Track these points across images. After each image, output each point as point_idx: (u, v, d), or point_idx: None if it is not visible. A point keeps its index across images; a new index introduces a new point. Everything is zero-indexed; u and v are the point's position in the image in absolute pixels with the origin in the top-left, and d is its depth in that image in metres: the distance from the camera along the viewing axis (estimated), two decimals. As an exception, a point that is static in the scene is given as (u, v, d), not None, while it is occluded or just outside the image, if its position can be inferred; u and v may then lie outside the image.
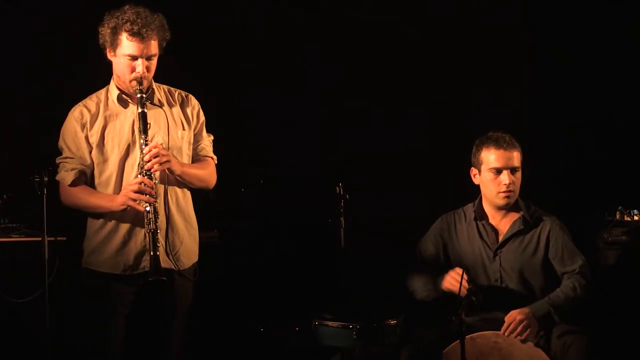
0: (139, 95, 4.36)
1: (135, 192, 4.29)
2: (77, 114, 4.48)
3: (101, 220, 4.44)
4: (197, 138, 4.63)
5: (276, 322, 5.85)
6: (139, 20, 4.32)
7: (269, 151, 6.18)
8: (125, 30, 4.34)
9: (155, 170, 4.33)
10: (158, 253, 4.24)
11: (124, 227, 4.42)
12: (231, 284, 5.82)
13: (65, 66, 5.70)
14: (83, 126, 4.46)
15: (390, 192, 6.13)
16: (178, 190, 4.52)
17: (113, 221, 4.43)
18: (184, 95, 4.63)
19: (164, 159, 4.34)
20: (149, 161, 4.30)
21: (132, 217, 4.41)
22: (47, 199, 4.52)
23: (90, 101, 4.51)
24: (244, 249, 5.97)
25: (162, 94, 4.58)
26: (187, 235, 4.55)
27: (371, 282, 5.51)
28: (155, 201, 4.29)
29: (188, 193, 4.59)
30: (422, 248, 5.01)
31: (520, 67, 6.23)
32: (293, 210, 6.05)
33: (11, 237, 5.28)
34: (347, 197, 4.87)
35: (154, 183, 4.31)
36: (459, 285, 4.57)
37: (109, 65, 4.51)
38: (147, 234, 4.29)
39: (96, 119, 4.46)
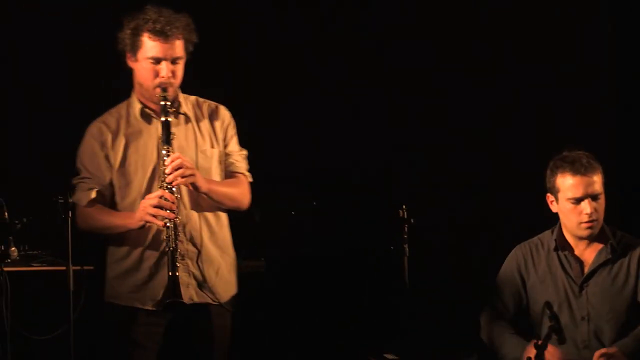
0: (162, 103, 4.20)
1: (155, 206, 4.12)
2: (96, 131, 4.35)
3: (125, 249, 4.29)
4: (227, 153, 4.45)
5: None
6: (161, 18, 4.19)
7: (323, 171, 5.98)
8: (147, 30, 4.19)
9: (178, 184, 4.17)
10: (178, 274, 4.13)
11: (152, 256, 4.26)
12: (279, 318, 5.64)
13: (87, 83, 5.57)
14: (102, 144, 4.32)
15: (460, 216, 5.94)
16: (210, 215, 4.35)
17: (139, 249, 4.28)
18: (213, 106, 4.48)
19: (188, 172, 4.17)
20: (170, 173, 4.14)
21: (160, 245, 4.25)
22: (72, 223, 4.29)
23: (110, 117, 4.38)
24: (294, 280, 5.75)
25: (190, 106, 4.43)
26: (223, 265, 4.38)
27: (438, 318, 5.44)
28: (177, 217, 4.15)
29: (223, 217, 4.42)
30: (498, 289, 4.74)
31: (604, 75, 6.06)
32: (350, 236, 5.86)
33: (32, 266, 5.08)
34: (412, 221, 4.65)
35: (176, 197, 4.15)
36: None
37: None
38: (167, 253, 4.16)
39: (117, 136, 4.33)
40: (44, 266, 5.08)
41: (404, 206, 4.67)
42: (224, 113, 4.46)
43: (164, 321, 4.28)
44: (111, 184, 4.33)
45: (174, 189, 4.15)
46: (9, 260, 4.71)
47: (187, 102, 4.41)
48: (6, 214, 4.71)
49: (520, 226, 5.05)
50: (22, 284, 4.87)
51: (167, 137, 4.18)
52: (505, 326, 4.61)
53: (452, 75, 6.02)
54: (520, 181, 5.70)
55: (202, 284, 4.27)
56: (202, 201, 4.30)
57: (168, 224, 4.12)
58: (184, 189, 4.27)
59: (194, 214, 4.29)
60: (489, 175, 5.97)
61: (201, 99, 4.47)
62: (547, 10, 6.00)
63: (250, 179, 4.49)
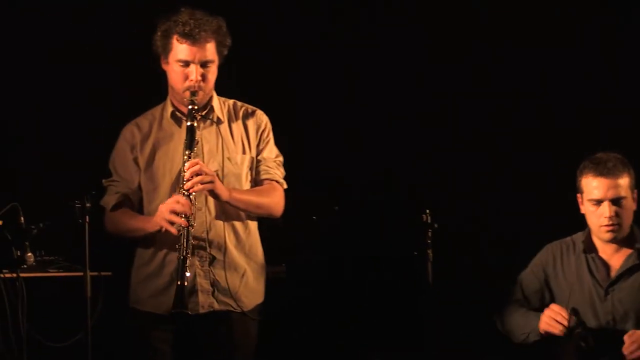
0: (189, 107, 4.16)
1: (171, 212, 4.08)
2: (128, 133, 4.36)
3: (149, 254, 4.29)
4: (260, 159, 4.40)
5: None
6: (191, 21, 4.16)
7: (344, 174, 5.93)
8: (177, 32, 4.18)
9: (195, 191, 4.11)
10: (186, 284, 4.07)
11: (173, 262, 4.20)
12: (300, 325, 5.61)
13: (107, 86, 5.56)
14: (133, 147, 4.32)
15: (487, 220, 5.84)
16: (237, 222, 4.32)
17: (161, 254, 4.26)
18: (250, 111, 4.44)
19: (207, 178, 4.10)
20: (189, 179, 4.08)
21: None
22: (89, 228, 4.31)
23: (144, 119, 4.39)
24: (315, 286, 5.71)
25: (225, 110, 4.39)
26: (249, 272, 4.35)
27: (463, 325, 5.36)
28: (190, 226, 4.08)
29: (251, 224, 4.39)
30: (522, 283, 4.69)
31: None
32: (372, 241, 5.79)
33: (48, 272, 5.02)
34: (436, 226, 4.64)
35: (192, 204, 4.08)
36: (558, 326, 4.32)
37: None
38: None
39: (147, 139, 4.32)
40: (61, 272, 5.04)
41: (427, 211, 4.65)
42: (260, 118, 4.42)
43: (184, 328, 4.25)
44: (139, 188, 4.31)
45: (191, 195, 4.10)
46: (25, 266, 4.73)
47: (224, 106, 4.39)
48: (22, 218, 4.81)
49: (547, 228, 5.00)
50: (39, 290, 4.83)
51: (190, 142, 4.13)
52: (519, 308, 4.60)
53: (478, 78, 5.99)
54: (546, 183, 5.68)
55: (224, 291, 4.23)
56: (228, 208, 4.26)
57: (180, 232, 4.08)
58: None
59: (219, 220, 4.25)
60: (514, 178, 5.90)
61: (239, 103, 4.44)
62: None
63: (285, 186, 4.46)
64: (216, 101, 4.36)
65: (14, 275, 4.69)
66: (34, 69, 5.55)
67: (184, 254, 4.05)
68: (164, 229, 4.12)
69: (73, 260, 4.97)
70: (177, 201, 4.08)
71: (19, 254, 4.72)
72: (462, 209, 5.79)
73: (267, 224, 4.51)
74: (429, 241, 4.63)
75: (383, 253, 5.78)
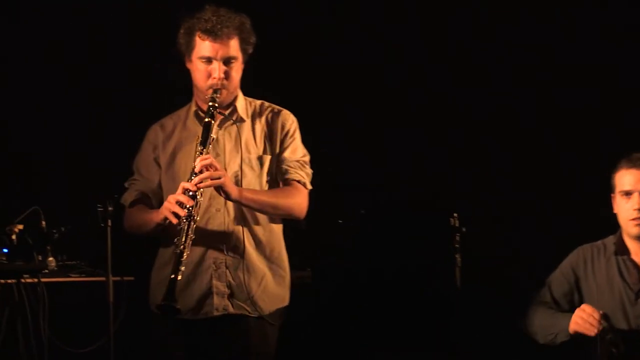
0: (209, 104, 4.12)
1: (177, 202, 4.03)
2: (152, 133, 4.34)
3: (169, 253, 4.17)
4: (282, 158, 4.32)
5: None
6: (213, 17, 4.12)
7: (370, 176, 5.90)
8: (199, 29, 4.14)
9: (204, 186, 4.04)
10: (179, 278, 3.96)
11: (191, 260, 4.14)
12: (326, 331, 5.61)
13: (126, 91, 5.60)
14: (155, 147, 4.29)
15: (516, 223, 5.81)
16: (258, 226, 4.26)
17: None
18: (276, 111, 4.36)
19: (217, 174, 4.03)
20: (198, 174, 4.04)
21: (201, 252, 4.18)
22: (112, 232, 4.36)
23: (169, 119, 4.35)
24: (341, 290, 5.71)
25: (250, 110, 4.34)
26: (270, 276, 4.27)
27: (492, 331, 5.27)
28: (188, 220, 4.01)
29: (275, 228, 4.31)
30: (551, 285, 4.61)
31: None
32: (399, 245, 5.76)
33: (70, 277, 5.01)
34: (464, 230, 4.60)
35: (196, 199, 4.03)
36: (591, 326, 4.24)
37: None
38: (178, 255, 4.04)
39: (170, 139, 4.29)
40: (83, 277, 5.06)
41: (455, 214, 4.62)
42: (285, 118, 4.35)
43: (198, 332, 4.21)
44: (160, 187, 4.28)
45: (200, 191, 4.05)
46: (47, 271, 4.87)
47: (250, 107, 4.34)
48: (43, 222, 4.98)
49: (577, 231, 4.95)
50: (60, 295, 4.89)
51: (204, 139, 4.07)
52: (547, 309, 4.56)
53: (498, 82, 5.97)
54: (576, 185, 5.69)
55: (240, 294, 4.18)
56: (248, 210, 4.23)
57: (180, 225, 4.00)
58: None
59: (238, 222, 4.21)
60: (543, 181, 5.86)
61: (266, 104, 4.39)
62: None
63: (308, 187, 4.38)
64: (241, 101, 4.31)
65: (35, 280, 4.73)
66: (56, 71, 5.58)
67: (181, 248, 3.97)
68: (167, 221, 4.08)
69: (95, 265, 5.02)
70: (183, 190, 4.04)
71: (40, 258, 4.84)
72: (490, 212, 5.76)
73: (292, 228, 4.46)
74: (457, 245, 4.59)
75: (410, 257, 5.76)
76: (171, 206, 4.02)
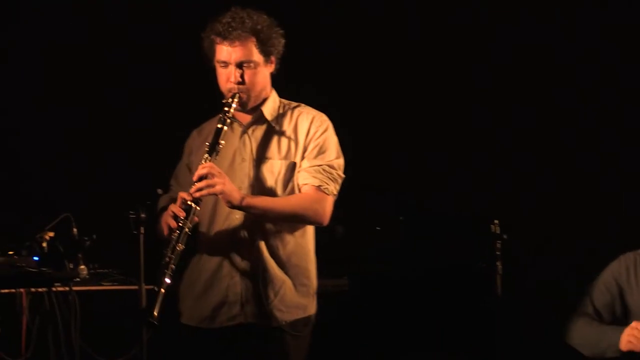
0: (224, 109, 4.03)
1: (172, 213, 3.95)
2: (190, 138, 4.29)
3: (195, 260, 4.15)
4: (302, 163, 4.17)
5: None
6: (229, 20, 4.03)
7: (409, 182, 5.93)
8: (214, 32, 4.06)
9: (199, 196, 3.93)
10: (162, 290, 3.85)
11: (210, 268, 4.11)
12: (362, 339, 5.55)
13: (167, 92, 5.66)
14: (190, 153, 4.23)
15: (559, 230, 5.79)
16: (276, 234, 4.12)
17: (204, 257, 4.14)
18: (307, 114, 4.19)
19: (214, 182, 3.94)
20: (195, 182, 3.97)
21: (218, 261, 4.10)
22: (145, 239, 4.29)
23: (209, 123, 4.24)
24: (379, 299, 5.67)
25: (278, 114, 4.20)
26: (289, 285, 4.13)
27: (535, 339, 5.28)
28: (179, 231, 3.90)
29: (299, 235, 4.17)
30: (593, 295, 4.52)
31: None
32: (439, 253, 5.79)
33: (102, 286, 5.06)
34: (505, 237, 4.59)
35: (191, 209, 3.92)
36: None
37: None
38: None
39: (202, 143, 4.17)
40: (115, 285, 5.09)
41: (496, 221, 4.60)
42: (317, 122, 4.19)
43: (216, 341, 4.12)
44: None
45: (199, 200, 3.96)
46: (78, 279, 4.92)
47: (281, 110, 4.22)
48: (75, 230, 4.90)
49: (619, 239, 4.82)
50: (92, 304, 4.93)
51: (212, 145, 3.99)
52: (591, 321, 4.46)
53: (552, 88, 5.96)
54: (617, 190, 5.69)
55: (256, 304, 4.08)
56: (264, 218, 4.16)
57: (172, 234, 3.91)
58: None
59: (254, 230, 4.11)
60: (584, 187, 5.84)
61: (301, 107, 4.24)
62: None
63: (329, 192, 4.19)
64: (270, 104, 4.19)
65: (67, 288, 4.77)
66: (86, 75, 5.65)
67: (166, 260, 3.88)
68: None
69: (128, 273, 5.06)
70: (182, 200, 3.97)
71: (71, 266, 4.89)
72: (531, 218, 5.76)
73: (329, 235, 4.40)
74: (498, 253, 4.57)
75: (449, 265, 5.78)
76: (166, 217, 3.97)
